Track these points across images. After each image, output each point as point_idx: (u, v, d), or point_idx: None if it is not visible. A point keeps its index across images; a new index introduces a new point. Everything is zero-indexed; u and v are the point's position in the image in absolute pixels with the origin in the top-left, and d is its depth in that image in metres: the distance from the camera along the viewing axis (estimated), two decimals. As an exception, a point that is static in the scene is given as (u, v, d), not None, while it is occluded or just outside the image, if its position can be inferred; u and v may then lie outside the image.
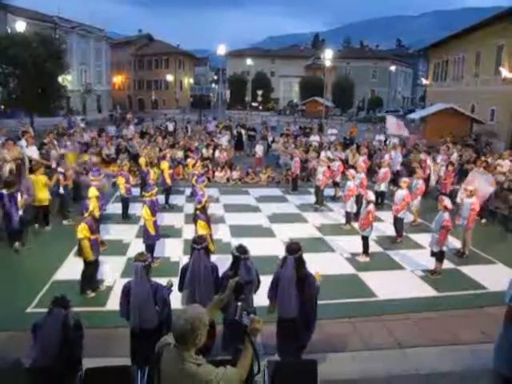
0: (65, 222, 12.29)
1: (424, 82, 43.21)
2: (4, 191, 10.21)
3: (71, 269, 9.12)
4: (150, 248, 9.50)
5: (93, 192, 9.81)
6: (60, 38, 33.61)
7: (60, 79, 30.39)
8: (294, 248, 5.83)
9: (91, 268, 8.27)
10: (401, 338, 7.02)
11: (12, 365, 4.61)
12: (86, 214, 8.38)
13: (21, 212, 10.40)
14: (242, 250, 5.82)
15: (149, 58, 78.05)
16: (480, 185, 11.71)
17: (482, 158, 16.25)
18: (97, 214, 9.15)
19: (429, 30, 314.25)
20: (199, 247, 6.05)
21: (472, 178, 12.43)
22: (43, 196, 11.60)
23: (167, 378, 3.11)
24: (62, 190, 12.58)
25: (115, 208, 13.54)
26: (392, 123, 23.05)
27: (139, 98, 77.58)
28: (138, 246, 9.99)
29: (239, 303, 3.68)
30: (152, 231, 9.39)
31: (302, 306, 5.75)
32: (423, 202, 13.09)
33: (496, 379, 5.19)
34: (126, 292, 5.55)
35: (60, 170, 12.91)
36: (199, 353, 3.12)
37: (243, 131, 27.31)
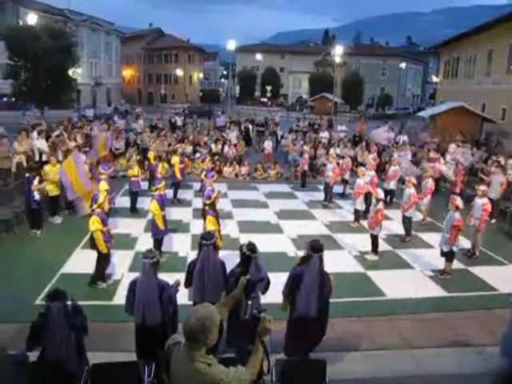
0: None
1: (434, 79, 42.89)
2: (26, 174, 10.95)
3: (79, 262, 9.19)
4: (159, 243, 9.49)
5: (103, 186, 9.82)
6: (71, 30, 33.67)
7: (70, 72, 30.44)
8: (318, 246, 5.79)
9: (104, 260, 8.29)
10: (409, 338, 6.97)
11: (17, 358, 4.60)
12: (95, 206, 8.38)
13: (37, 196, 10.83)
14: (252, 248, 5.75)
15: (159, 52, 78.08)
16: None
17: (494, 158, 16.09)
18: (106, 207, 9.15)
19: (439, 27, 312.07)
20: (208, 243, 6.01)
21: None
22: (54, 187, 11.79)
23: (177, 377, 3.07)
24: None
25: (123, 202, 13.55)
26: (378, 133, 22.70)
27: (149, 91, 77.68)
28: (146, 240, 10.00)
29: (250, 302, 3.63)
30: (161, 225, 9.37)
31: (320, 306, 5.72)
32: (433, 201, 12.96)
33: (502, 368, 5.17)
34: (133, 288, 5.52)
35: None
36: (209, 352, 3.08)
37: (251, 126, 27.25)
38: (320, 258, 5.72)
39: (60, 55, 27.32)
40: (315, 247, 5.79)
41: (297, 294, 5.70)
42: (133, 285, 5.56)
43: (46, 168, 11.92)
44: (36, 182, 10.83)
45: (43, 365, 4.71)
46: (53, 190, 11.82)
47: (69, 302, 5.01)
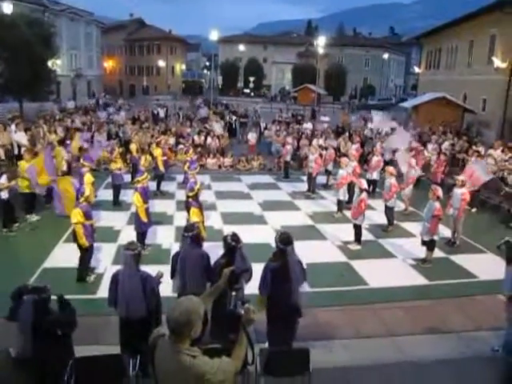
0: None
1: (416, 70, 43.08)
2: None
3: (61, 256, 9.10)
4: (142, 235, 9.44)
5: (89, 178, 9.73)
6: (49, 20, 33.01)
7: (50, 63, 29.87)
8: (290, 239, 5.73)
9: (86, 253, 8.21)
10: (392, 326, 7.06)
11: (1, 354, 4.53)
12: (82, 200, 8.28)
13: (5, 194, 10.31)
14: (236, 238, 5.78)
15: (140, 43, 77.09)
16: (477, 173, 11.77)
17: (474, 148, 16.32)
18: (92, 200, 9.06)
19: (421, 17, 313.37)
20: (189, 234, 6.01)
21: (469, 169, 12.44)
22: (29, 184, 11.14)
23: (162, 370, 3.07)
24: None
25: (106, 194, 13.43)
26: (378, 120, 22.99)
27: (130, 83, 76.75)
28: (129, 233, 9.94)
29: (234, 293, 3.64)
30: (144, 218, 9.32)
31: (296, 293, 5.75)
32: (414, 190, 13.11)
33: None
34: (115, 281, 5.49)
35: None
36: (194, 344, 3.08)
37: (234, 118, 27.19)
38: (293, 250, 5.70)
39: (39, 46, 26.74)
40: (284, 240, 5.69)
41: (278, 287, 5.64)
42: (115, 278, 5.53)
43: (21, 164, 11.29)
44: (2, 180, 10.32)
45: (16, 362, 4.59)
46: (27, 187, 11.15)
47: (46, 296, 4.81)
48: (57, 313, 4.86)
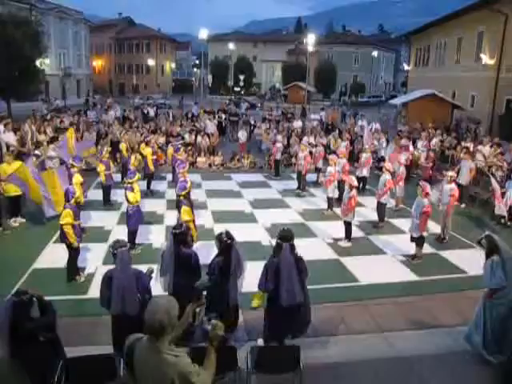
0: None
1: (406, 67, 43.32)
2: None
3: (51, 257, 9.05)
4: (133, 234, 9.44)
5: (78, 178, 9.68)
6: (36, 19, 32.65)
7: (38, 63, 29.62)
8: (287, 235, 5.88)
9: (75, 254, 8.18)
10: (382, 322, 7.12)
11: None
12: (72, 201, 8.25)
13: None
14: (230, 236, 5.87)
15: (129, 41, 76.68)
16: None
17: (463, 144, 16.44)
18: (82, 200, 9.03)
19: (411, 15, 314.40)
20: (175, 232, 6.09)
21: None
22: (12, 186, 10.84)
23: (143, 372, 3.07)
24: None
25: (96, 194, 13.37)
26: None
27: (120, 82, 76.34)
28: (119, 233, 9.91)
29: (198, 309, 3.67)
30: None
31: (303, 290, 5.81)
32: (404, 187, 13.19)
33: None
34: (107, 279, 5.48)
35: (37, 153, 12.70)
36: (173, 344, 3.13)
37: (224, 116, 27.16)
38: (291, 246, 5.79)
39: (26, 45, 26.49)
40: (283, 237, 5.87)
41: (279, 284, 5.70)
42: (106, 277, 5.51)
43: (3, 167, 10.86)
44: None
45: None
46: (10, 190, 10.81)
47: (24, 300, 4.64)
48: (37, 317, 4.76)
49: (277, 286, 5.73)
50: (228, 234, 5.88)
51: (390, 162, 13.61)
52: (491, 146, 15.99)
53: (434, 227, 10.95)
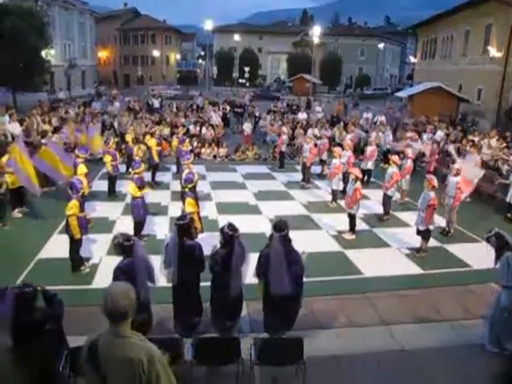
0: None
1: (412, 60, 43.05)
2: None
3: (57, 247, 9.06)
4: (140, 225, 9.46)
5: (82, 169, 9.67)
6: (42, 10, 32.60)
7: (43, 53, 29.62)
8: (280, 226, 5.88)
9: (76, 244, 8.20)
10: (386, 315, 7.11)
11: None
12: (80, 194, 8.26)
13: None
14: (233, 228, 5.83)
15: (135, 32, 76.42)
16: (466, 177, 11.64)
17: (469, 137, 16.34)
18: (86, 191, 9.04)
19: (418, 7, 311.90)
20: (179, 223, 6.09)
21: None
22: (15, 178, 10.76)
23: (111, 361, 3.04)
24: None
25: (100, 185, 13.39)
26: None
27: (125, 73, 76.23)
28: (124, 224, 9.95)
29: None
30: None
31: (293, 283, 5.80)
32: (410, 180, 13.14)
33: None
34: (122, 272, 5.42)
35: (44, 141, 12.75)
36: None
37: (228, 108, 27.11)
38: (282, 237, 5.77)
39: (31, 36, 26.47)
40: (276, 227, 5.90)
41: (268, 273, 5.78)
42: (121, 270, 5.46)
43: (3, 160, 10.75)
44: None
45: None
46: (14, 182, 10.75)
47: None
48: (43, 308, 4.70)
49: (267, 277, 5.80)
50: (231, 226, 5.86)
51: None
52: (497, 140, 15.89)
53: (439, 220, 10.90)
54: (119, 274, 5.44)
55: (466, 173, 11.13)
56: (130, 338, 3.03)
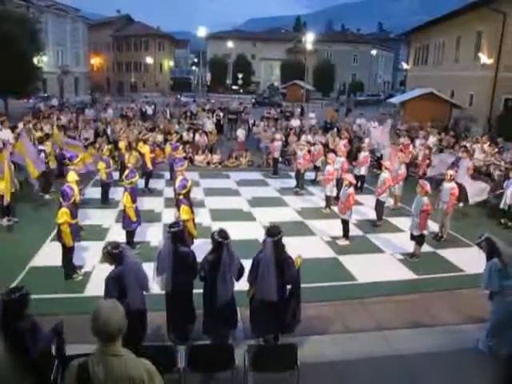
0: (47, 197, 12.65)
1: (405, 66, 43.33)
2: None
3: (49, 255, 8.98)
4: (131, 234, 9.41)
5: (72, 176, 9.57)
6: (34, 17, 32.55)
7: (35, 60, 29.54)
8: (273, 231, 5.89)
9: (68, 252, 8.15)
10: (380, 320, 7.11)
11: None
12: (71, 201, 8.20)
13: None
14: (223, 234, 5.80)
15: (128, 39, 76.53)
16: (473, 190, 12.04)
17: (462, 143, 16.44)
18: (78, 199, 8.97)
19: (410, 13, 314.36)
20: (171, 230, 6.09)
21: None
22: (2, 185, 10.61)
23: (107, 381, 2.94)
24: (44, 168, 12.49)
25: (94, 192, 13.35)
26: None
27: (118, 80, 76.17)
28: (117, 231, 9.90)
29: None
30: (133, 217, 9.29)
31: (281, 289, 5.79)
32: (404, 186, 13.19)
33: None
34: (114, 280, 5.39)
35: (41, 147, 12.73)
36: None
37: (222, 114, 27.15)
38: (275, 242, 5.77)
39: (24, 42, 26.38)
40: (268, 232, 5.91)
41: (257, 278, 5.81)
42: (112, 279, 5.42)
43: None
44: None
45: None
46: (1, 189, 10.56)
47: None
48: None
49: (256, 281, 5.84)
50: (221, 232, 5.83)
51: (391, 159, 13.63)
52: (489, 145, 16.01)
53: (432, 226, 10.93)
54: (110, 283, 5.40)
55: (472, 191, 11.80)
56: (125, 356, 2.98)
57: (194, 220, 9.46)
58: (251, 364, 5.10)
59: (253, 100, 38.82)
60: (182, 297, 6.10)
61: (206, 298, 5.95)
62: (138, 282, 5.48)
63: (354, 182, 10.37)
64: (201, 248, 8.08)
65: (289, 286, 5.97)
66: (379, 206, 11.67)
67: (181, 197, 9.32)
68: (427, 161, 15.08)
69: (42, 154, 12.83)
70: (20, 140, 12.38)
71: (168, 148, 15.87)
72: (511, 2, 22.84)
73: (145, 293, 5.69)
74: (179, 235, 6.11)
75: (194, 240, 9.06)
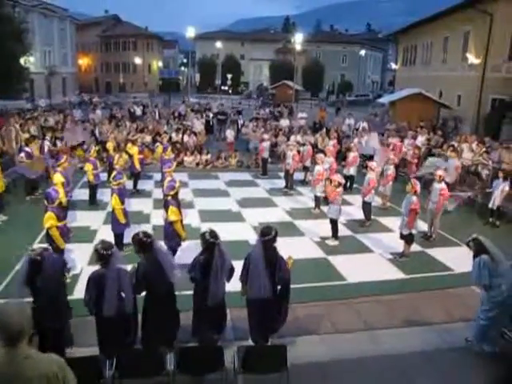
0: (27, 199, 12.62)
1: (393, 66, 43.55)
2: None
3: (36, 257, 8.86)
4: (120, 236, 9.32)
5: (58, 178, 9.47)
6: (20, 16, 32.21)
7: (22, 60, 29.24)
8: (264, 231, 5.92)
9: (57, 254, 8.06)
10: (370, 320, 7.12)
11: None
12: (56, 204, 8.12)
13: None
14: (214, 235, 5.79)
15: (116, 39, 76.14)
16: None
17: (451, 143, 16.55)
18: (64, 200, 8.89)
19: (399, 13, 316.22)
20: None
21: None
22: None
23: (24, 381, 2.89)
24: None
25: (81, 194, 13.23)
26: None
27: (107, 80, 75.78)
28: (105, 233, 9.78)
29: None
30: (122, 219, 9.21)
31: (273, 290, 5.78)
32: (393, 186, 13.24)
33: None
34: (95, 281, 5.34)
35: (27, 149, 12.61)
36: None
37: (211, 115, 27.11)
38: (265, 242, 5.79)
39: (9, 42, 26.08)
40: (260, 232, 5.99)
41: (248, 277, 5.82)
42: (94, 279, 5.37)
43: None
44: None
45: None
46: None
47: None
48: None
49: (248, 281, 5.85)
50: (212, 233, 5.82)
51: (381, 159, 13.69)
52: (477, 145, 16.13)
53: (422, 225, 10.98)
54: (91, 284, 5.38)
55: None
56: (35, 355, 2.95)
57: (182, 221, 9.40)
58: (241, 365, 5.08)
59: (239, 102, 38.88)
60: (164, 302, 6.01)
61: (197, 299, 5.91)
62: (119, 287, 5.36)
63: (343, 182, 10.37)
64: (190, 249, 8.06)
65: (279, 287, 5.95)
66: (366, 207, 11.67)
67: (169, 198, 9.26)
68: (416, 160, 15.13)
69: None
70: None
71: (159, 149, 15.77)
72: (498, 3, 23.02)
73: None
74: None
75: (183, 241, 8.98)
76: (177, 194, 9.56)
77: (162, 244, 5.83)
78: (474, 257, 6.31)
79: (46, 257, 5.36)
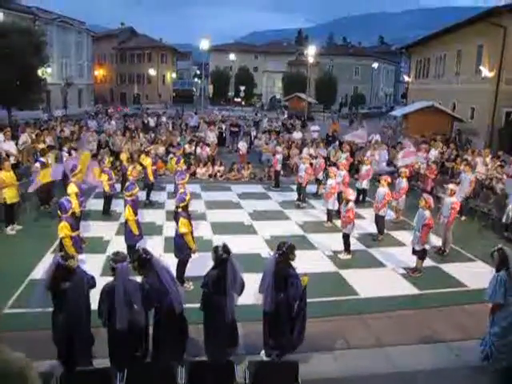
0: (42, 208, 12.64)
1: (406, 79, 43.47)
2: None
3: (49, 267, 8.93)
4: (132, 248, 9.35)
5: (72, 188, 9.57)
6: (40, 29, 32.82)
7: (40, 72, 29.73)
8: (278, 246, 6.05)
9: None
10: (382, 336, 7.04)
11: None
12: (69, 213, 8.20)
13: None
14: (227, 250, 5.78)
15: (131, 51, 77.14)
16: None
17: (465, 156, 16.42)
18: (77, 211, 8.96)
19: (412, 27, 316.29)
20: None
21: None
22: (12, 193, 10.97)
23: None
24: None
25: (95, 204, 13.34)
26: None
27: (122, 91, 76.65)
28: (118, 244, 9.84)
29: None
30: (135, 231, 9.25)
31: (284, 305, 5.76)
32: (406, 199, 13.15)
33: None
34: (106, 294, 5.34)
35: (42, 159, 12.75)
36: None
37: (224, 126, 27.25)
38: (279, 256, 5.93)
39: (29, 54, 26.58)
40: (277, 246, 6.14)
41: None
42: (105, 292, 5.36)
43: (1, 175, 10.88)
44: None
45: None
46: (10, 198, 10.94)
47: None
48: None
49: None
50: (225, 247, 5.79)
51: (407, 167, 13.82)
52: (491, 158, 15.99)
53: (435, 240, 10.88)
54: (104, 295, 5.37)
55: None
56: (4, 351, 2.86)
57: (192, 233, 9.41)
58: (252, 381, 5.05)
59: (256, 112, 39.23)
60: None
61: (208, 314, 5.88)
62: (131, 299, 5.29)
63: (353, 197, 10.30)
64: (200, 261, 8.07)
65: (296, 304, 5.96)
66: (380, 221, 11.60)
67: (179, 209, 9.29)
68: (433, 176, 14.96)
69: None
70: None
71: (173, 160, 15.84)
72: (511, 16, 22.97)
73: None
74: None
75: (193, 253, 8.98)
76: (187, 206, 9.59)
77: (162, 259, 5.79)
78: (496, 268, 6.20)
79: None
